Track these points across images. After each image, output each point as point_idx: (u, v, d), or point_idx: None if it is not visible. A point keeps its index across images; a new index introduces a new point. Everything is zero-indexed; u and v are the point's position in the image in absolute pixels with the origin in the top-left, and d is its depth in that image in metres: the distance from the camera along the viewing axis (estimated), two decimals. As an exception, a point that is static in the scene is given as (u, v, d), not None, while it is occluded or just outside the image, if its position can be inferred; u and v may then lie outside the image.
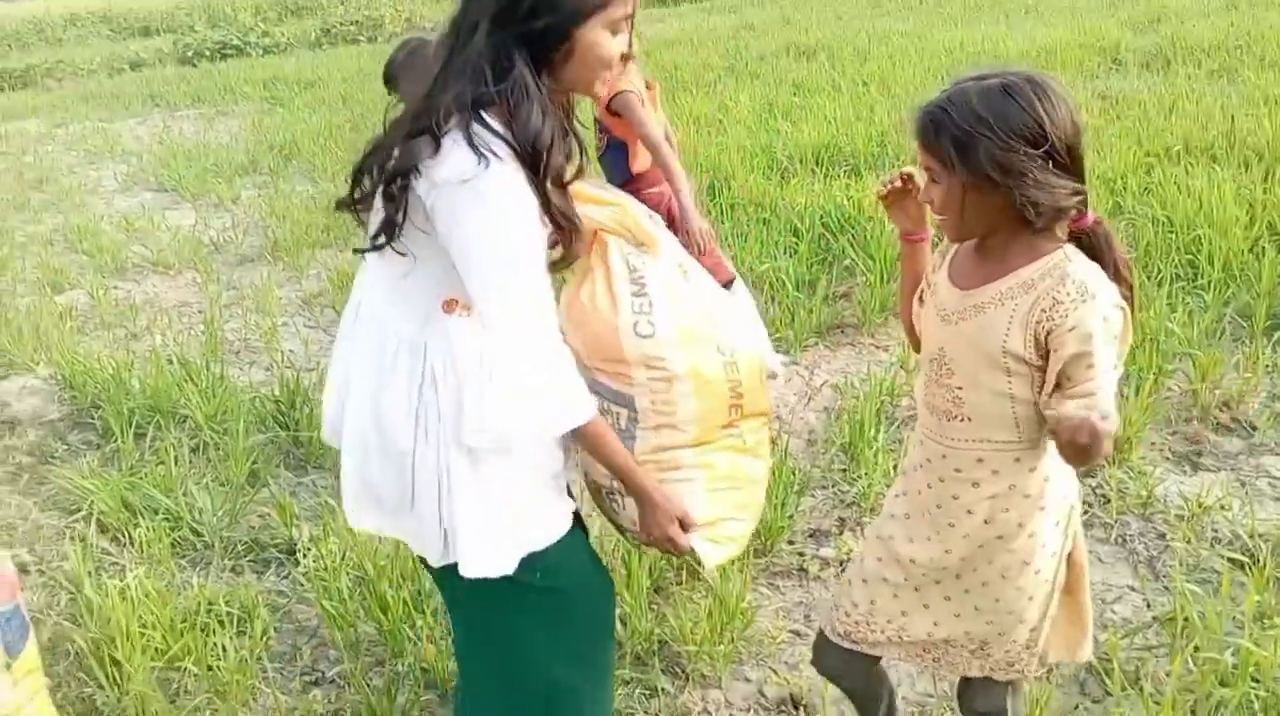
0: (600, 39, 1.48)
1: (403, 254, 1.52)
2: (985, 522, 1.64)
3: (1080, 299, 1.46)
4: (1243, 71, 6.87)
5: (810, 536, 2.90)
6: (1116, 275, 1.54)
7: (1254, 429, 3.06)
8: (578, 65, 1.50)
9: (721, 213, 5.20)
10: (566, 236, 1.56)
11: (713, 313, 1.80)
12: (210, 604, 2.66)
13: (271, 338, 4.50)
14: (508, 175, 1.44)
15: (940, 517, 1.67)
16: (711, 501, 1.78)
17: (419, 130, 1.45)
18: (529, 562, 1.59)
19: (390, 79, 2.98)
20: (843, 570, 2.73)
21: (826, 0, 13.46)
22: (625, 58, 1.54)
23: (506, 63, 1.45)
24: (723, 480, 1.80)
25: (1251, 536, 2.59)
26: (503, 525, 1.58)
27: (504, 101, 1.45)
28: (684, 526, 1.70)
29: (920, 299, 1.76)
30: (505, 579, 1.57)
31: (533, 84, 1.46)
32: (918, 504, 1.72)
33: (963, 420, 1.61)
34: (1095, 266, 1.52)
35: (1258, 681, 2.10)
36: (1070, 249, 1.53)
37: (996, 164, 1.44)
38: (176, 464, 3.37)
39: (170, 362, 4.12)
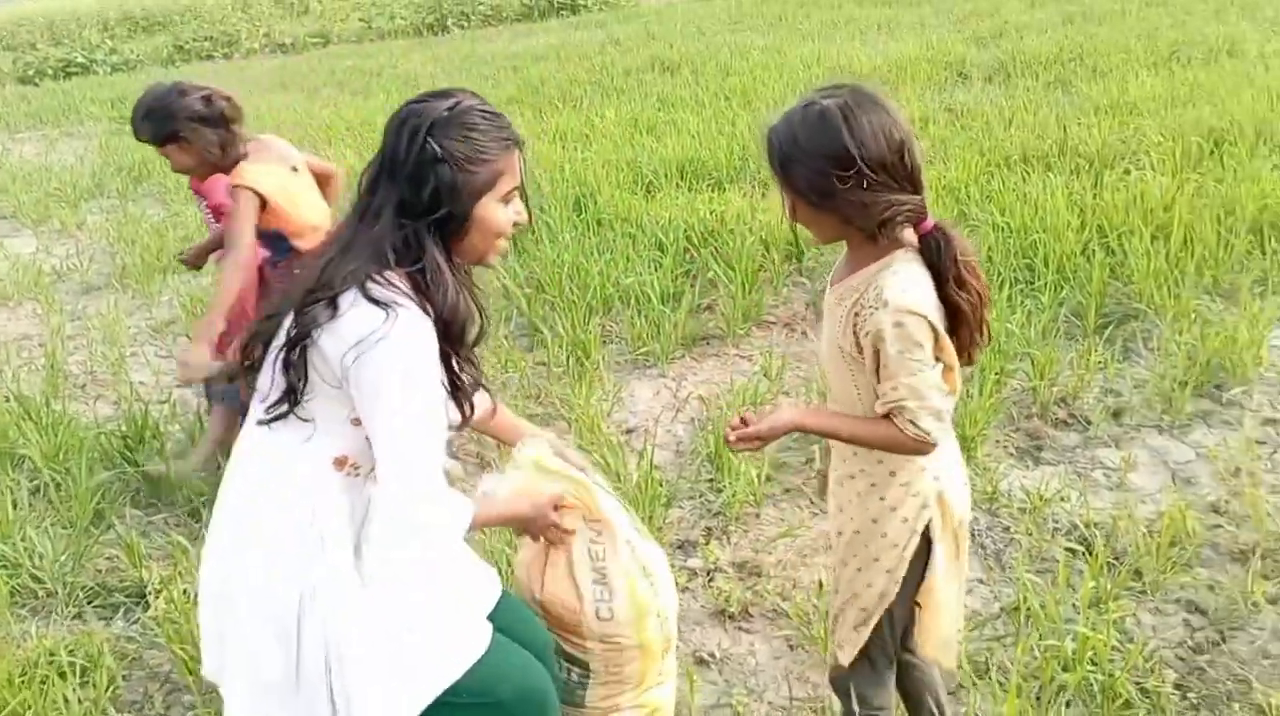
0: (494, 213, 1.63)
1: (306, 420, 1.57)
2: (848, 502, 1.77)
3: (877, 304, 1.58)
4: (1076, 83, 7.29)
5: (678, 547, 2.93)
6: (957, 278, 1.63)
7: (1089, 423, 3.24)
8: (476, 239, 1.64)
9: (588, 227, 5.22)
10: (466, 405, 1.69)
11: (650, 575, 2.01)
12: (51, 654, 2.52)
13: (119, 369, 4.29)
14: (415, 321, 1.54)
15: (833, 494, 1.84)
16: None
17: (314, 301, 1.54)
18: (453, 689, 1.66)
19: (137, 123, 2.95)
20: (710, 580, 2.77)
21: (689, 15, 13.69)
22: (519, 225, 1.69)
23: (417, 248, 1.58)
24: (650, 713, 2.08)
25: (1088, 526, 2.75)
26: (402, 679, 1.62)
27: (412, 279, 1.57)
28: (559, 510, 1.89)
29: None
30: (432, 711, 1.63)
31: (444, 263, 1.59)
32: (830, 486, 1.87)
33: (833, 401, 1.78)
34: (914, 273, 1.61)
35: (1095, 665, 2.22)
36: (903, 253, 1.63)
37: (812, 188, 1.56)
38: (15, 507, 3.18)
39: (7, 400, 3.89)
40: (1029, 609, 2.41)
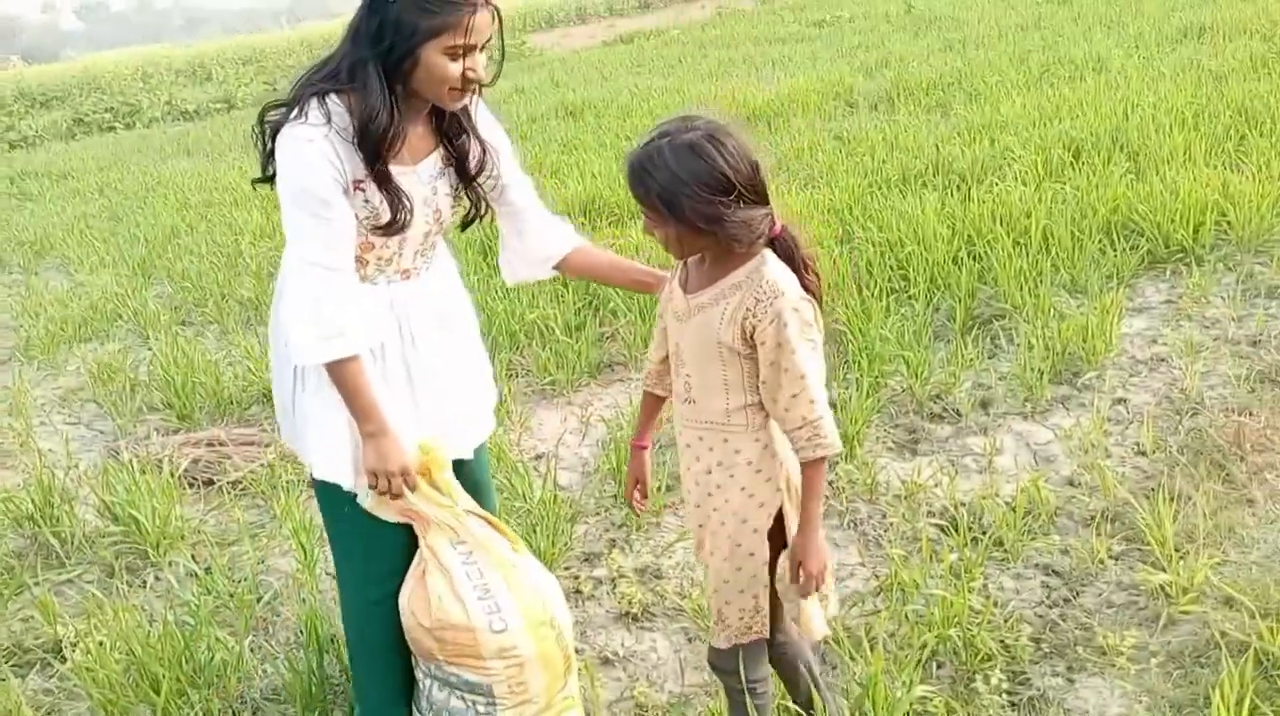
0: (438, 61, 1.84)
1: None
2: (708, 495, 1.91)
3: (774, 295, 1.76)
4: (954, 105, 7.72)
5: (584, 560, 3.07)
6: (805, 267, 1.86)
7: (960, 415, 3.49)
8: (422, 80, 1.86)
9: (493, 269, 5.37)
10: (395, 206, 1.91)
11: (539, 589, 2.12)
12: (-34, 712, 2.56)
13: (26, 440, 4.31)
14: (309, 132, 1.83)
15: (691, 491, 1.96)
16: None
17: (277, 104, 1.93)
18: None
19: None
20: (614, 587, 2.92)
21: (592, 62, 14.06)
22: (470, 82, 1.89)
23: (361, 70, 1.84)
24: None
25: (955, 506, 2.97)
26: (340, 438, 1.95)
27: (352, 93, 1.85)
28: (407, 482, 1.98)
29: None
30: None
31: (377, 83, 1.84)
32: (686, 483, 2.00)
33: (691, 403, 1.90)
34: (784, 267, 1.84)
35: (957, 624, 2.42)
36: (768, 253, 1.84)
37: (700, 215, 1.73)
38: (-77, 578, 3.20)
39: (-88, 475, 3.89)
40: (900, 583, 2.61)
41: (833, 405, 3.38)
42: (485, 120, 2.11)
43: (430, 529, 2.05)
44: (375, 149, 1.87)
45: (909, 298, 4.22)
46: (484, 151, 2.07)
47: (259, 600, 2.97)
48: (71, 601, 3.12)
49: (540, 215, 2.25)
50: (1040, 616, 2.53)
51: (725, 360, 1.83)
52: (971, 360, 3.76)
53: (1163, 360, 3.60)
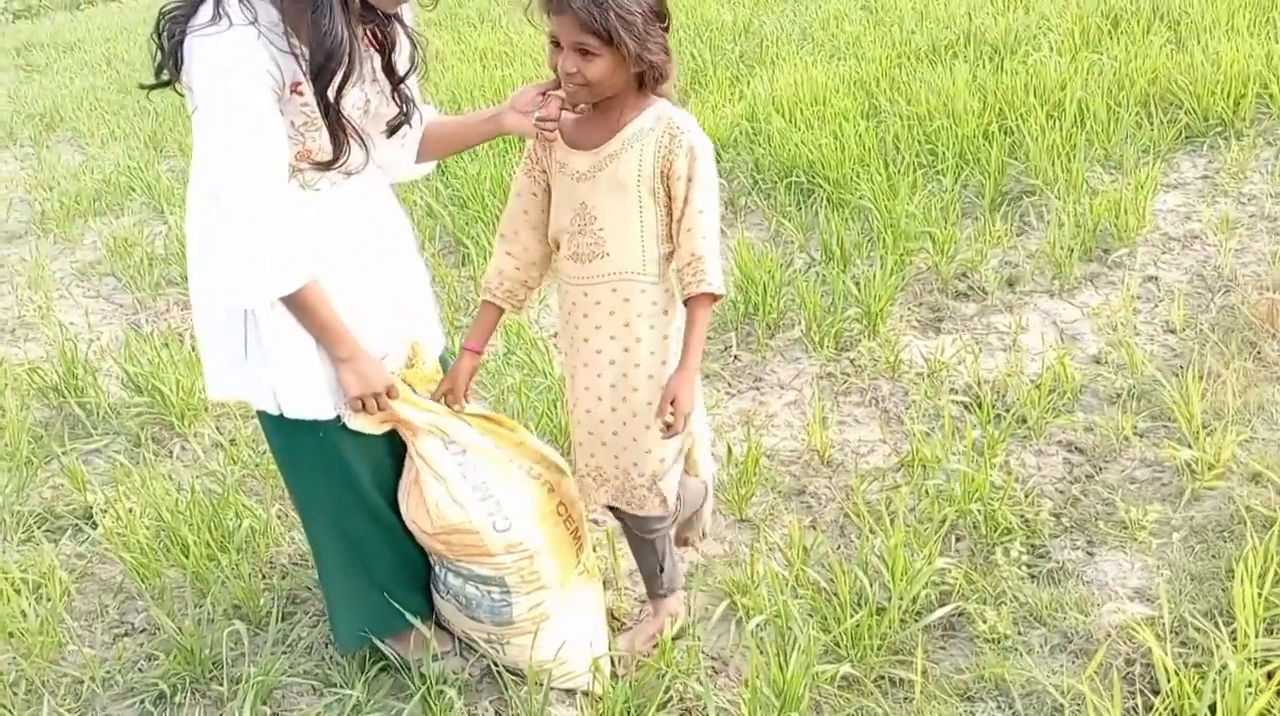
0: None
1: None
2: (625, 350, 1.92)
3: (686, 131, 1.83)
4: (987, -28, 7.37)
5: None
6: None
7: (985, 293, 3.43)
8: None
9: (508, 143, 5.26)
10: (337, 139, 1.75)
11: (536, 476, 2.10)
12: (4, 572, 2.63)
13: (47, 312, 4.32)
14: (239, 37, 1.61)
15: (589, 355, 1.95)
16: (573, 630, 2.10)
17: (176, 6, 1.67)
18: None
19: None
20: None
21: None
22: None
23: None
24: (575, 613, 2.12)
25: (979, 384, 2.94)
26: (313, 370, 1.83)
27: (283, 5, 1.65)
28: (390, 395, 1.90)
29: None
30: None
31: (337, 4, 1.63)
32: (573, 357, 1.99)
33: (604, 257, 1.89)
34: (683, 111, 1.89)
35: (978, 499, 2.43)
36: (663, 99, 1.87)
37: (646, 42, 1.74)
38: (-46, 447, 3.25)
39: (-65, 348, 3.92)
40: (920, 458, 2.61)
41: (856, 283, 3.39)
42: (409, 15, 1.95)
43: (419, 435, 2.00)
44: (332, 84, 1.68)
45: (937, 173, 4.10)
46: (413, 47, 1.93)
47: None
48: (100, 470, 3.17)
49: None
50: (1061, 492, 2.53)
51: (643, 207, 1.86)
52: (1000, 237, 3.67)
53: (1196, 237, 3.51)
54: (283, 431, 1.95)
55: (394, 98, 1.91)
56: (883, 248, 3.59)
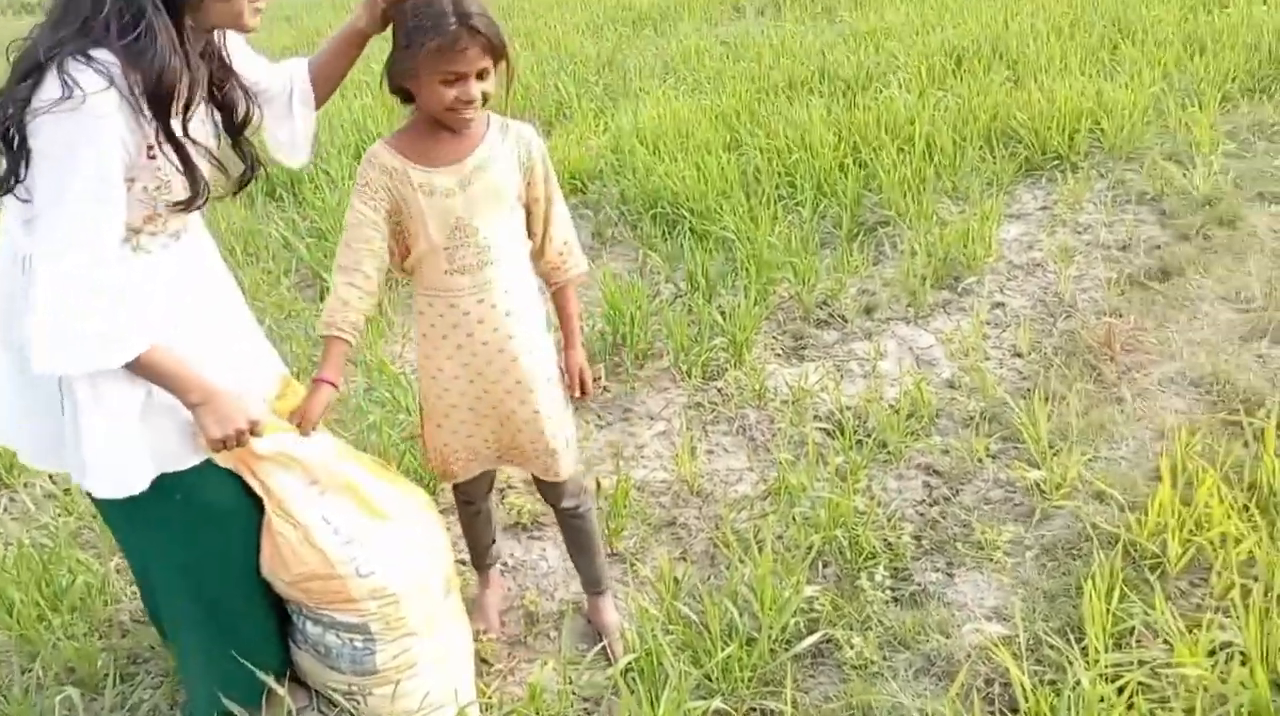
0: None
1: (25, 200, 1.58)
2: (530, 339, 2.01)
3: (532, 134, 1.96)
4: (839, 11, 7.66)
5: (470, 472, 3.00)
6: None
7: (846, 320, 3.51)
8: (217, 4, 1.62)
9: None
10: (190, 177, 1.67)
11: (400, 515, 2.02)
12: None
13: None
14: (99, 105, 1.51)
15: (492, 354, 1.99)
16: (439, 678, 2.04)
17: (23, 75, 1.54)
18: (166, 483, 1.75)
19: None
20: (504, 498, 2.87)
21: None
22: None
23: (139, 15, 1.53)
24: (442, 659, 2.05)
25: (841, 410, 3.00)
26: (128, 445, 1.70)
27: (128, 53, 1.54)
28: (253, 431, 1.77)
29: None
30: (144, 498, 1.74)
31: (161, 26, 1.55)
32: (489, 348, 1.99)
33: (491, 264, 1.93)
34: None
35: (843, 525, 2.46)
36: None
37: (505, 54, 1.81)
38: None
39: None
40: (787, 486, 2.64)
41: (722, 313, 3.43)
42: (235, 47, 1.87)
43: (273, 474, 1.89)
44: (170, 108, 1.59)
45: (796, 204, 4.20)
46: (248, 99, 1.86)
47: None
48: (-86, 528, 2.90)
49: (281, 76, 2.01)
50: (921, 514, 2.59)
51: (513, 210, 1.96)
52: (857, 267, 3.78)
53: (1039, 265, 3.69)
54: (127, 505, 1.76)
55: (236, 153, 1.88)
56: (746, 277, 3.65)
